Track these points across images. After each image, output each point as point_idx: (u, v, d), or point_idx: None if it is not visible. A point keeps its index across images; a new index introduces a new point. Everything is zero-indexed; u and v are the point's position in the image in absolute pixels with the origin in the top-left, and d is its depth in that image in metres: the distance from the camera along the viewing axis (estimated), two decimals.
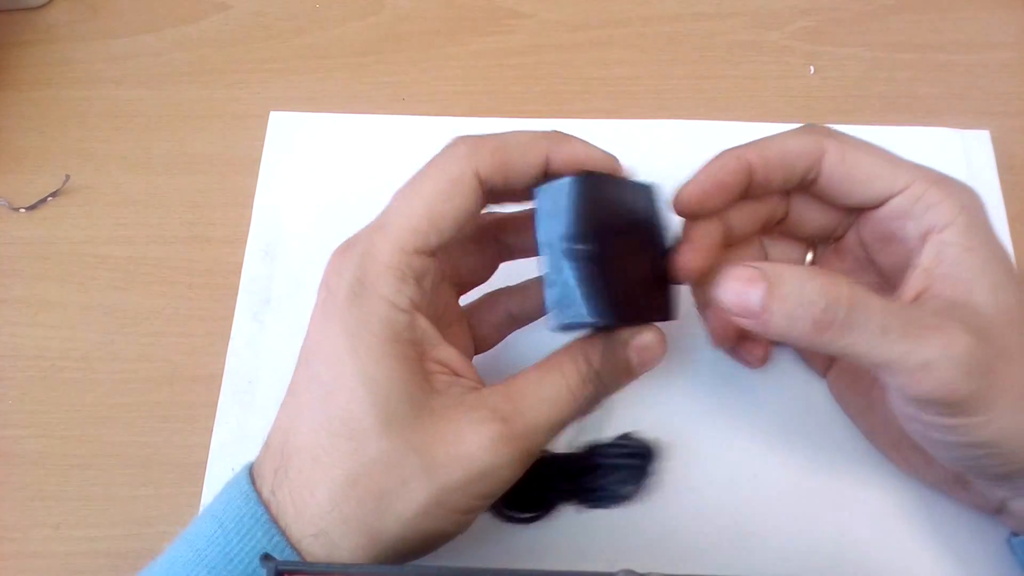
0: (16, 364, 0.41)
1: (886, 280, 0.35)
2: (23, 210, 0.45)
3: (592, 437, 0.36)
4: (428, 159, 0.30)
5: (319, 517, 0.27)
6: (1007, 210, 0.43)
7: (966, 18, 0.50)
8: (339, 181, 0.45)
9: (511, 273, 0.37)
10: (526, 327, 0.37)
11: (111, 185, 0.46)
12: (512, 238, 0.35)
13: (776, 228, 0.37)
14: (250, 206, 0.44)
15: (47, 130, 0.48)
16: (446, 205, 0.29)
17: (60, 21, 0.51)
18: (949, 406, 0.28)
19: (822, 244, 0.37)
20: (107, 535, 0.37)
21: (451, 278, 0.35)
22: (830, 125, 0.45)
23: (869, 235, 0.34)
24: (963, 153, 0.45)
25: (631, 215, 0.32)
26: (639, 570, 0.23)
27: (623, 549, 0.36)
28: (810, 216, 0.35)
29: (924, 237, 0.31)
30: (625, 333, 0.31)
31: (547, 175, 0.31)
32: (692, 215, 0.33)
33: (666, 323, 0.33)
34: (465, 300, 0.36)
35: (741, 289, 0.28)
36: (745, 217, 0.35)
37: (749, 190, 0.34)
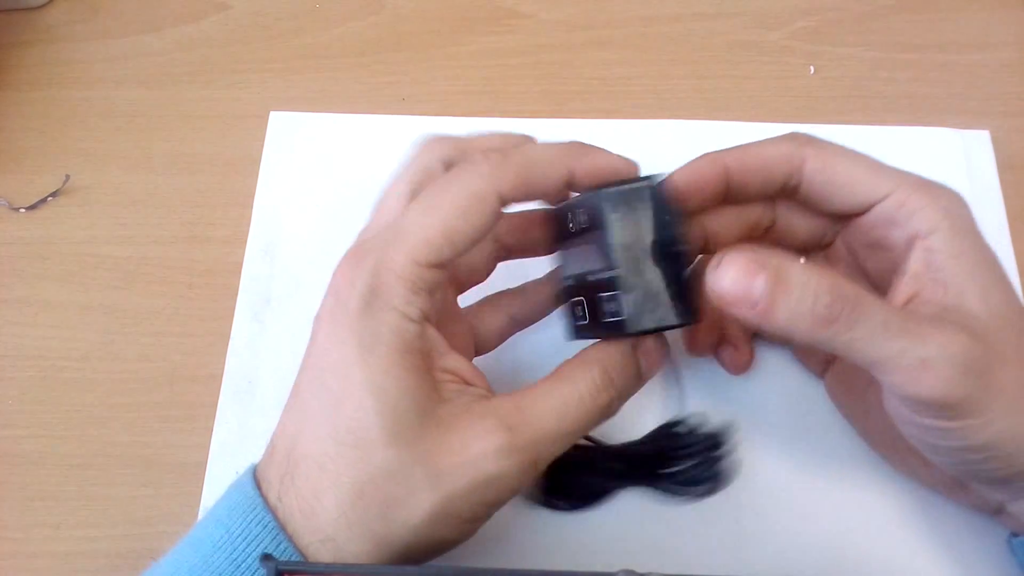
0: (16, 364, 0.41)
1: (875, 287, 0.35)
2: (23, 210, 0.45)
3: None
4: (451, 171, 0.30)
5: (326, 524, 0.28)
6: (1007, 210, 0.43)
7: (966, 18, 0.50)
8: (339, 181, 0.45)
9: (508, 275, 0.37)
10: (528, 329, 0.37)
11: (111, 185, 0.46)
12: (510, 238, 0.35)
13: (765, 236, 0.36)
14: (250, 206, 0.44)
15: (47, 130, 0.48)
16: (463, 223, 0.29)
17: (60, 21, 0.51)
18: (946, 408, 0.28)
19: (812, 252, 0.37)
20: (107, 535, 0.37)
21: (449, 278, 0.35)
22: (830, 125, 0.45)
23: (856, 242, 0.34)
24: (963, 153, 0.45)
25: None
26: (639, 570, 0.23)
27: (623, 549, 0.36)
28: (797, 223, 0.35)
29: (910, 243, 0.31)
30: (632, 340, 0.31)
31: (569, 187, 0.31)
32: None
33: None
34: (465, 301, 0.36)
35: (742, 277, 0.27)
36: (728, 223, 0.35)
37: (728, 195, 0.34)
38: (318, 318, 0.30)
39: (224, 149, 0.47)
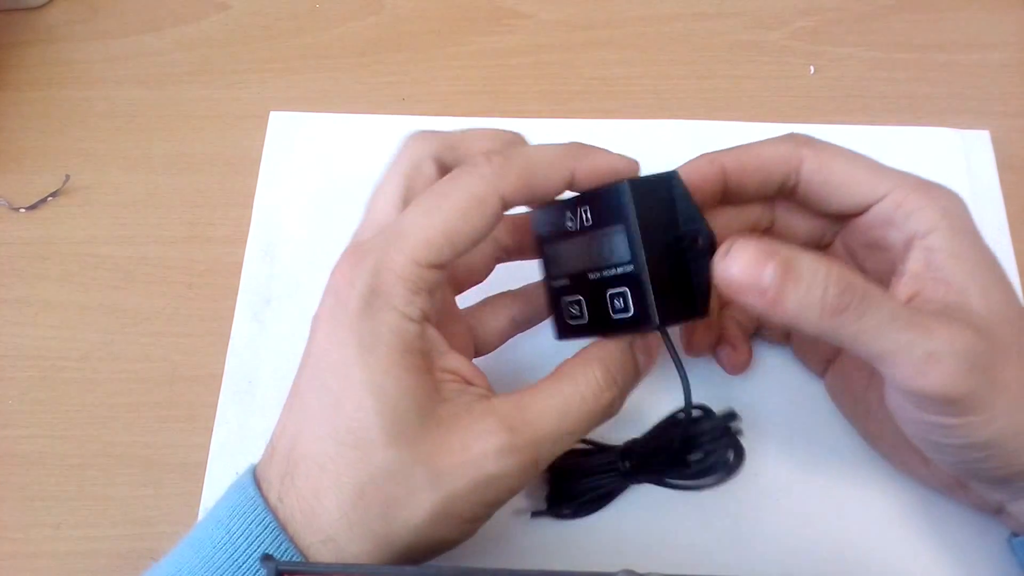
0: (16, 364, 0.41)
1: None
2: (23, 210, 0.45)
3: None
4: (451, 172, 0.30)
5: (327, 524, 0.28)
6: (1007, 210, 0.43)
7: (966, 18, 0.50)
8: (339, 181, 0.45)
9: (507, 275, 0.37)
10: (528, 330, 0.37)
11: (111, 185, 0.46)
12: (509, 239, 0.35)
13: (764, 237, 0.36)
14: (250, 206, 0.44)
15: (47, 130, 0.48)
16: (465, 224, 0.29)
17: (60, 21, 0.51)
18: (950, 403, 0.28)
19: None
20: (107, 535, 0.37)
21: (448, 278, 0.35)
22: (830, 125, 0.46)
23: (854, 242, 0.34)
24: (963, 153, 0.45)
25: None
26: (639, 570, 0.23)
27: (623, 549, 0.36)
28: (796, 224, 0.35)
29: (908, 243, 0.31)
30: (629, 337, 0.32)
31: (570, 188, 0.31)
32: None
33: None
34: (464, 302, 0.36)
35: (752, 265, 0.27)
36: (726, 223, 0.35)
37: (726, 196, 0.34)
38: (317, 318, 0.30)
39: (224, 149, 0.47)
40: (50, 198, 0.45)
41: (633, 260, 0.30)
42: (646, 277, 0.29)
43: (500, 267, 0.36)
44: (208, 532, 0.29)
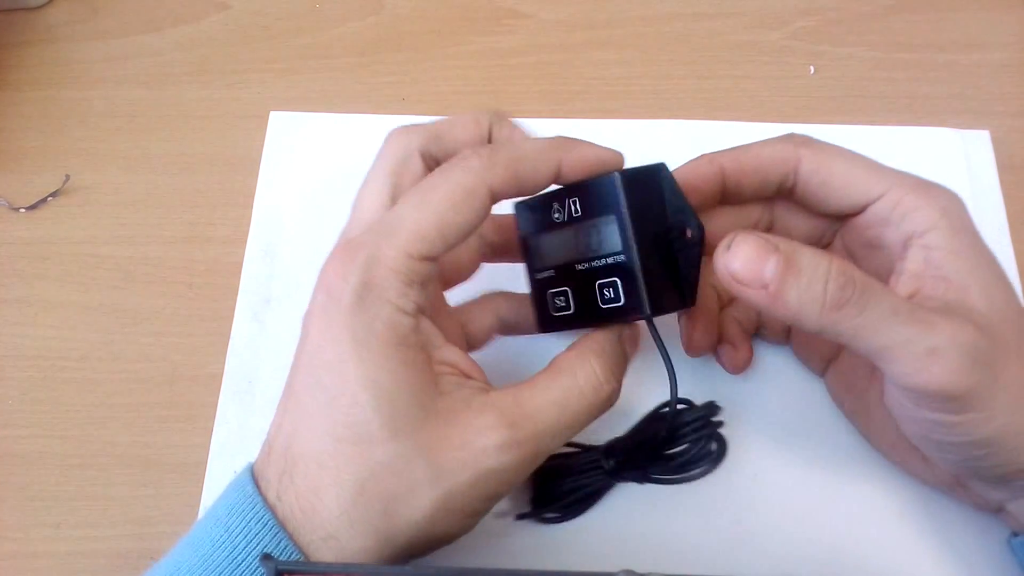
0: (16, 364, 0.41)
1: None
2: (23, 210, 0.45)
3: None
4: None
5: (327, 522, 0.28)
6: (1007, 210, 0.43)
7: (966, 18, 0.50)
8: (339, 181, 0.45)
9: (498, 275, 0.37)
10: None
11: (111, 185, 0.46)
12: (495, 236, 0.36)
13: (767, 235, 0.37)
14: (250, 206, 0.44)
15: (47, 130, 0.48)
16: (456, 216, 0.29)
17: (60, 21, 0.51)
18: (951, 399, 0.28)
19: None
20: (107, 535, 0.37)
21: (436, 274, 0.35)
22: (830, 125, 0.46)
23: (853, 242, 0.35)
24: (963, 153, 0.45)
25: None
26: (639, 570, 0.23)
27: (623, 549, 0.36)
28: (795, 224, 0.35)
29: (906, 243, 0.31)
30: (617, 328, 0.32)
31: (556, 181, 0.31)
32: None
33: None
34: (451, 300, 0.36)
35: (754, 259, 0.27)
36: (726, 224, 0.35)
37: (725, 196, 0.34)
38: (309, 315, 0.30)
39: (224, 149, 0.47)
40: (50, 198, 0.45)
41: (624, 250, 0.30)
42: (638, 267, 0.30)
43: (485, 266, 0.37)
44: (207, 531, 0.29)
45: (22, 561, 0.37)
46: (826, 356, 0.38)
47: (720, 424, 0.37)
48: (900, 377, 0.28)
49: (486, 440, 0.28)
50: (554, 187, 0.32)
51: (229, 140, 0.47)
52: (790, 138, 0.33)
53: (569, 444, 0.36)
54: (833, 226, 0.35)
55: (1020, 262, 0.42)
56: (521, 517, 0.36)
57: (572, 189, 0.32)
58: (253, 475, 0.29)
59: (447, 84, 0.49)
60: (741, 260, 0.28)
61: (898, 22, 0.50)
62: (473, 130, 0.33)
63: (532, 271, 0.34)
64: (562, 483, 0.36)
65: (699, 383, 0.39)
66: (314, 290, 0.30)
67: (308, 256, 0.43)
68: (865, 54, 0.49)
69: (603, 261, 0.31)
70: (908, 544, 0.36)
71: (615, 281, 0.30)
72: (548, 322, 0.34)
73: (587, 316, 0.32)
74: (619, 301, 0.31)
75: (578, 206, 0.31)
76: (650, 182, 0.31)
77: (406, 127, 0.33)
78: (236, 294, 0.42)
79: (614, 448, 0.36)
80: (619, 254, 0.30)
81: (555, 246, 0.33)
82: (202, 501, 0.37)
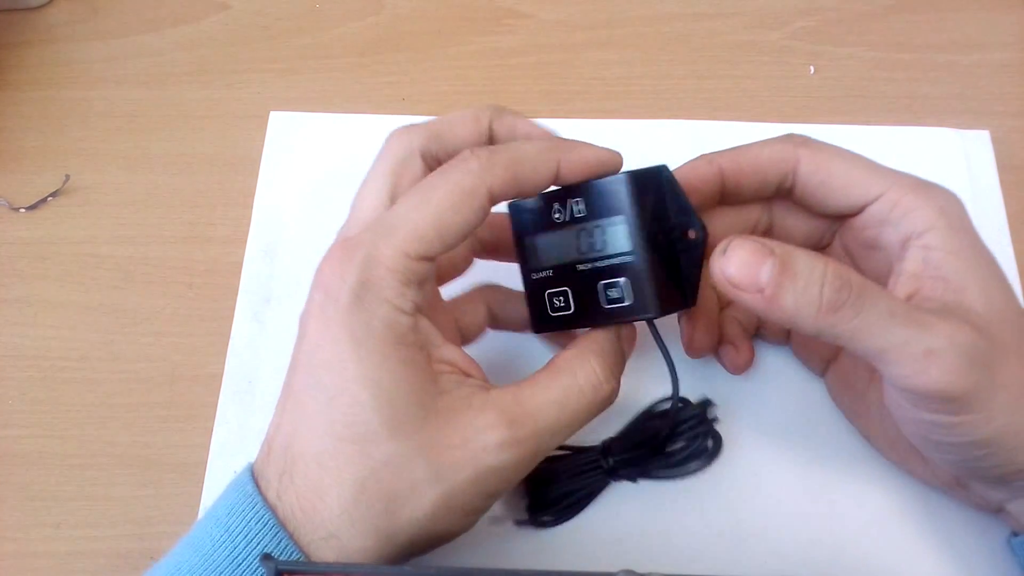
0: (16, 364, 0.41)
1: None
2: (23, 210, 0.45)
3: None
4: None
5: (328, 521, 0.28)
6: (1007, 210, 0.43)
7: (966, 18, 0.50)
8: (339, 181, 0.44)
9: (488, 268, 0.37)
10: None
11: (111, 185, 0.46)
12: (488, 234, 0.36)
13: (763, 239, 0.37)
14: (250, 206, 0.44)
15: (47, 130, 0.48)
16: (455, 217, 0.29)
17: (60, 21, 0.51)
18: (950, 400, 0.28)
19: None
20: (107, 535, 0.37)
21: None
22: (830, 125, 0.46)
23: (852, 242, 0.35)
24: (963, 153, 0.45)
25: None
26: (639, 570, 0.23)
27: (622, 549, 0.36)
28: (794, 225, 0.36)
29: (904, 243, 0.31)
30: (615, 327, 0.32)
31: (556, 182, 0.31)
32: None
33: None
34: (446, 293, 0.36)
35: (750, 261, 0.28)
36: (725, 224, 0.35)
37: (724, 197, 0.34)
38: (306, 315, 0.30)
39: (224, 149, 0.47)
40: (50, 198, 0.45)
41: (634, 250, 0.30)
42: (647, 267, 0.30)
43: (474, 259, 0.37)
44: (207, 531, 0.29)
45: (22, 561, 0.37)
46: (826, 356, 0.38)
47: (715, 420, 0.37)
48: (898, 379, 0.28)
49: (487, 438, 0.28)
50: (551, 188, 0.32)
51: (229, 140, 0.47)
52: (789, 138, 0.33)
53: (561, 447, 0.36)
54: (833, 227, 0.35)
55: (1020, 262, 0.42)
56: (520, 524, 0.36)
57: (574, 190, 0.32)
58: (253, 475, 0.29)
59: (447, 84, 0.49)
60: (737, 264, 0.28)
61: (898, 22, 0.50)
62: (473, 127, 0.33)
63: (528, 271, 0.34)
64: (559, 486, 0.36)
65: (698, 383, 0.39)
66: (311, 289, 0.30)
67: (308, 256, 0.42)
68: (865, 54, 0.49)
69: (609, 261, 0.31)
70: (908, 544, 0.36)
71: (621, 281, 0.31)
72: (545, 322, 0.34)
73: (587, 316, 0.32)
74: (625, 301, 0.31)
75: (582, 206, 0.31)
76: (654, 183, 0.31)
77: (407, 127, 0.33)
78: (236, 294, 0.42)
79: (611, 447, 0.36)
80: (627, 254, 0.30)
81: (554, 246, 0.33)
82: (202, 501, 0.37)
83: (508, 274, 0.36)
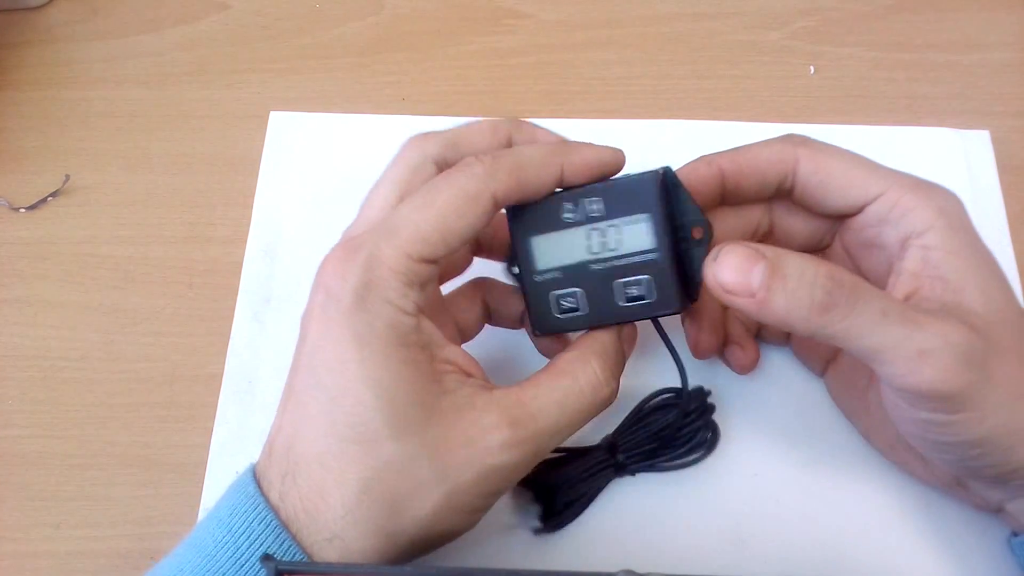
0: (16, 364, 0.41)
1: None
2: (23, 210, 0.45)
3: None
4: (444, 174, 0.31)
5: (332, 522, 0.28)
6: (1007, 210, 0.43)
7: (966, 18, 0.50)
8: (339, 181, 0.45)
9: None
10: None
11: (111, 185, 0.46)
12: (488, 231, 0.35)
13: (764, 240, 0.37)
14: (250, 206, 0.44)
15: (47, 130, 0.48)
16: (459, 221, 0.29)
17: (60, 21, 0.51)
18: (944, 399, 0.28)
19: (810, 254, 0.37)
20: (107, 535, 0.37)
21: None
22: (830, 125, 0.46)
23: (851, 242, 0.35)
24: (963, 153, 0.45)
25: None
26: (639, 570, 0.23)
27: (623, 549, 0.36)
28: (794, 225, 0.36)
29: (903, 243, 0.31)
30: (616, 328, 0.32)
31: (561, 185, 0.31)
32: None
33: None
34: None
35: (741, 266, 0.28)
36: (726, 227, 0.35)
37: (724, 197, 0.34)
38: (308, 315, 0.30)
39: (224, 149, 0.47)
40: (50, 198, 0.45)
41: (658, 248, 0.31)
42: (670, 264, 0.31)
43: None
44: (209, 532, 0.29)
45: (22, 561, 0.37)
46: (825, 357, 0.38)
47: (713, 409, 0.37)
48: (892, 378, 0.28)
49: (490, 439, 0.28)
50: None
51: (229, 140, 0.47)
52: (788, 139, 0.33)
53: (559, 450, 0.36)
54: (833, 227, 0.35)
55: (1020, 262, 0.42)
56: (538, 532, 0.36)
57: (591, 190, 0.32)
58: (255, 476, 0.29)
59: (447, 84, 0.49)
60: (728, 270, 0.28)
61: (898, 22, 0.50)
62: (491, 139, 0.33)
63: (531, 274, 0.33)
64: (572, 490, 0.36)
65: (699, 383, 0.39)
66: (312, 289, 0.30)
67: (308, 256, 0.42)
68: (865, 54, 0.49)
69: (629, 259, 0.31)
70: (908, 544, 0.36)
71: (644, 278, 0.31)
72: (548, 325, 0.33)
73: (601, 315, 0.32)
74: (647, 298, 0.31)
75: (599, 206, 0.31)
76: (667, 184, 0.31)
77: (424, 134, 0.33)
78: (236, 294, 0.42)
79: (617, 443, 0.36)
80: (651, 252, 0.31)
81: (564, 246, 0.32)
82: (202, 501, 0.37)
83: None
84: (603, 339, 0.32)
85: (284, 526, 0.28)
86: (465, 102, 0.48)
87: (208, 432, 0.39)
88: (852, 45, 0.49)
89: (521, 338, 0.37)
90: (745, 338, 0.37)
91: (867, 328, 0.27)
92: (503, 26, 0.51)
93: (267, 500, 0.28)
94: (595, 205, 0.31)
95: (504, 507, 0.36)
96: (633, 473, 0.37)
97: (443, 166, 0.32)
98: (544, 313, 0.33)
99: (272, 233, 0.44)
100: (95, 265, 0.44)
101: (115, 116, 0.48)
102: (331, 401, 0.28)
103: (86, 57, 0.50)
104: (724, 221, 0.35)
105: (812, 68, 0.49)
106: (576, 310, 0.32)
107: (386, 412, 0.28)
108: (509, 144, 0.33)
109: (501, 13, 0.51)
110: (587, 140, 0.32)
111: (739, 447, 0.38)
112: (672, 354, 0.33)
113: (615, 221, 0.31)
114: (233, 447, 0.39)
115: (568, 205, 0.32)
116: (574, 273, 0.32)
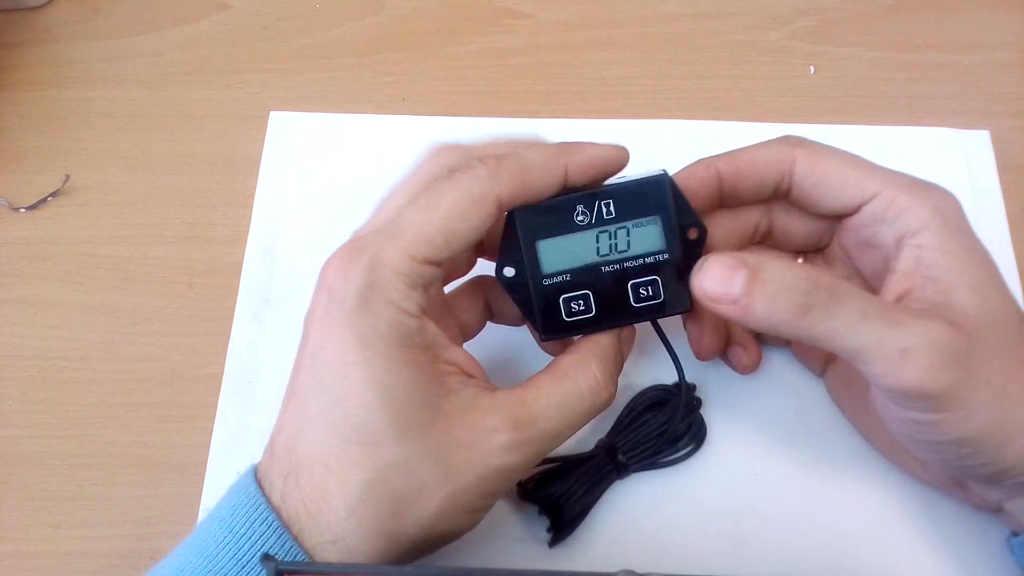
0: (16, 364, 0.41)
1: (871, 287, 0.35)
2: (23, 210, 0.45)
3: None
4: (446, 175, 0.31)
5: (335, 524, 0.28)
6: (1007, 210, 0.43)
7: (966, 18, 0.50)
8: (339, 181, 0.45)
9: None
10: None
11: (111, 185, 0.46)
12: (490, 235, 0.36)
13: (763, 242, 0.37)
14: (250, 206, 0.44)
15: (47, 130, 0.48)
16: (463, 224, 0.29)
17: (60, 21, 0.51)
18: (927, 398, 0.28)
19: (810, 255, 0.37)
20: (107, 535, 0.37)
21: None
22: (830, 125, 0.46)
23: (848, 242, 0.35)
24: (963, 153, 0.45)
25: None
26: (639, 570, 0.23)
27: (623, 549, 0.36)
28: (793, 226, 0.36)
29: (899, 242, 0.31)
30: (616, 330, 0.33)
31: (565, 185, 0.31)
32: None
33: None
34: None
35: (723, 275, 0.29)
36: (725, 229, 0.35)
37: (722, 200, 0.34)
38: (310, 316, 0.30)
39: (224, 149, 0.47)
40: (50, 198, 0.45)
41: (669, 249, 0.32)
42: (679, 264, 0.32)
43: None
44: (211, 532, 0.29)
45: (22, 561, 0.37)
46: (824, 357, 0.38)
47: (700, 403, 0.38)
48: (876, 378, 0.28)
49: (493, 441, 0.29)
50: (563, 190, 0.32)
51: (229, 140, 0.47)
52: (785, 140, 0.34)
53: (551, 460, 0.36)
54: (831, 227, 0.35)
55: (1020, 262, 0.42)
56: (552, 546, 0.36)
57: (603, 193, 0.32)
58: (256, 477, 0.29)
59: (447, 84, 0.49)
60: (711, 279, 0.29)
61: (898, 22, 0.50)
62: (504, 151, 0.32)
63: (537, 278, 0.33)
64: (579, 501, 0.35)
65: (699, 383, 0.39)
66: (315, 290, 0.30)
67: (308, 256, 0.43)
68: (865, 54, 0.49)
69: (640, 261, 0.32)
70: (908, 544, 0.36)
71: (656, 279, 0.32)
72: (556, 328, 0.33)
73: (612, 317, 0.33)
74: (657, 298, 0.32)
75: (612, 208, 0.32)
76: (672, 186, 0.32)
77: (447, 145, 0.32)
78: (236, 294, 0.42)
79: (615, 445, 0.36)
80: (662, 253, 0.32)
81: (572, 249, 0.32)
82: (202, 501, 0.37)
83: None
84: (603, 342, 0.32)
85: (286, 527, 0.28)
86: (465, 102, 0.48)
87: (208, 432, 0.39)
88: (852, 45, 0.49)
89: (521, 337, 0.37)
90: (747, 339, 0.37)
91: (848, 329, 0.28)
92: (503, 26, 0.51)
93: (269, 501, 0.28)
94: (608, 207, 0.32)
95: (506, 514, 0.36)
96: (621, 473, 0.37)
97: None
98: (551, 317, 0.33)
99: (272, 233, 0.44)
100: (95, 265, 0.44)
101: (115, 116, 0.48)
102: (334, 402, 0.28)
103: (86, 57, 0.50)
104: (722, 223, 0.35)
105: (812, 68, 0.49)
106: (587, 312, 0.33)
107: (389, 413, 0.28)
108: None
109: (501, 13, 0.51)
110: (593, 141, 0.32)
111: (740, 447, 0.38)
112: (668, 351, 0.34)
113: (625, 223, 0.32)
114: (233, 447, 0.39)
115: (581, 208, 0.32)
116: (584, 275, 0.32)
